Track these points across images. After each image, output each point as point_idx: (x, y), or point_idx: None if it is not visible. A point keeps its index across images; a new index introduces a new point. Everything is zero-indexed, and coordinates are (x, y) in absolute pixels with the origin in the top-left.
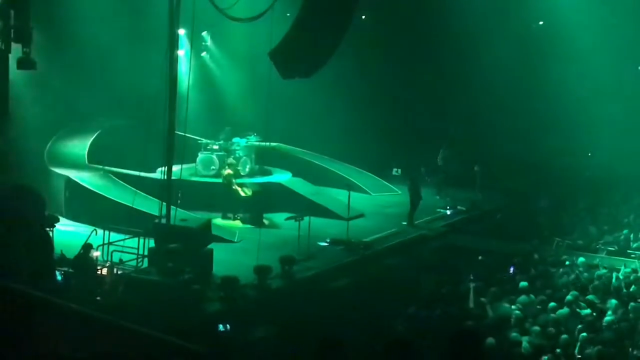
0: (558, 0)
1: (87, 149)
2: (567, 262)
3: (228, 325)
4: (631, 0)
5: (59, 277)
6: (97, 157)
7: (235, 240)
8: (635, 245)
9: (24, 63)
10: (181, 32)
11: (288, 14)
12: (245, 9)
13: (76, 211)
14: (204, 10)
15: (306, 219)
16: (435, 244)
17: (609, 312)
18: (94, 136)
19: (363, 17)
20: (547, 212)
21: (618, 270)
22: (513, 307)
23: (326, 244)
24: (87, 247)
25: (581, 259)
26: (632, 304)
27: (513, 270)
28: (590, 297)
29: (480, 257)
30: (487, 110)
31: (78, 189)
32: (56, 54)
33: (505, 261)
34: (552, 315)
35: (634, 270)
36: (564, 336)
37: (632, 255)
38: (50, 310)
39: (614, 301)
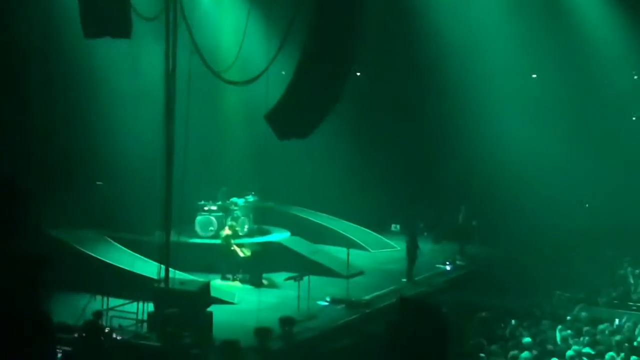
0: (548, 53)
1: (86, 213)
2: (568, 317)
3: None
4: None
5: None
6: (95, 221)
7: (235, 302)
8: (635, 297)
9: None
10: None
11: (283, 72)
12: (241, 71)
13: (74, 276)
14: (199, 73)
15: (305, 278)
16: (435, 301)
17: None
18: (92, 200)
19: (358, 74)
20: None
21: (620, 323)
22: None
23: (326, 303)
24: (98, 314)
25: (583, 313)
26: (634, 357)
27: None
28: (592, 351)
29: (483, 314)
30: (484, 164)
31: (76, 254)
32: (54, 116)
33: (506, 317)
34: None
35: (636, 323)
36: None
37: (634, 308)
38: None
39: (612, 354)
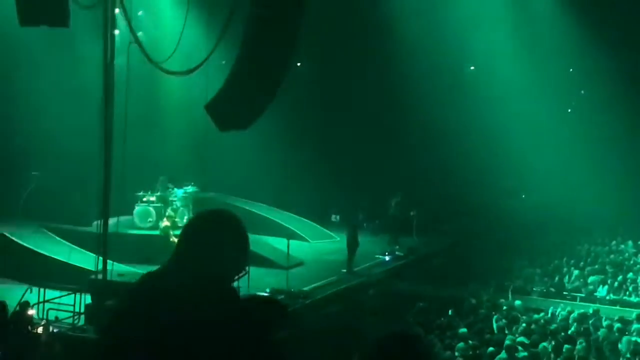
0: (488, 45)
1: (21, 204)
2: (504, 306)
3: None
4: (562, 47)
5: None
6: (31, 212)
7: None
8: (570, 286)
9: None
10: None
11: (223, 62)
12: (181, 62)
13: (10, 268)
14: (138, 63)
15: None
16: (375, 291)
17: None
18: (28, 190)
19: (299, 64)
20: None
21: (555, 313)
22: (456, 353)
23: (266, 295)
24: (24, 305)
25: (518, 302)
26: (566, 345)
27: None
28: (528, 340)
29: (421, 304)
30: (423, 155)
31: (12, 245)
32: None
33: (444, 306)
34: None
35: (570, 312)
36: None
37: (568, 297)
38: None
39: (545, 344)
